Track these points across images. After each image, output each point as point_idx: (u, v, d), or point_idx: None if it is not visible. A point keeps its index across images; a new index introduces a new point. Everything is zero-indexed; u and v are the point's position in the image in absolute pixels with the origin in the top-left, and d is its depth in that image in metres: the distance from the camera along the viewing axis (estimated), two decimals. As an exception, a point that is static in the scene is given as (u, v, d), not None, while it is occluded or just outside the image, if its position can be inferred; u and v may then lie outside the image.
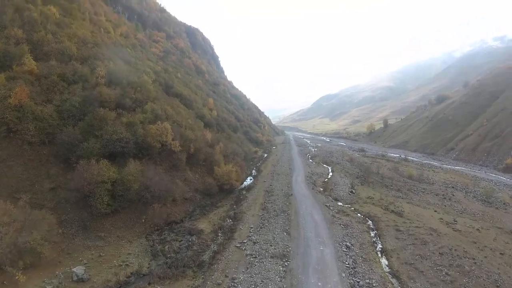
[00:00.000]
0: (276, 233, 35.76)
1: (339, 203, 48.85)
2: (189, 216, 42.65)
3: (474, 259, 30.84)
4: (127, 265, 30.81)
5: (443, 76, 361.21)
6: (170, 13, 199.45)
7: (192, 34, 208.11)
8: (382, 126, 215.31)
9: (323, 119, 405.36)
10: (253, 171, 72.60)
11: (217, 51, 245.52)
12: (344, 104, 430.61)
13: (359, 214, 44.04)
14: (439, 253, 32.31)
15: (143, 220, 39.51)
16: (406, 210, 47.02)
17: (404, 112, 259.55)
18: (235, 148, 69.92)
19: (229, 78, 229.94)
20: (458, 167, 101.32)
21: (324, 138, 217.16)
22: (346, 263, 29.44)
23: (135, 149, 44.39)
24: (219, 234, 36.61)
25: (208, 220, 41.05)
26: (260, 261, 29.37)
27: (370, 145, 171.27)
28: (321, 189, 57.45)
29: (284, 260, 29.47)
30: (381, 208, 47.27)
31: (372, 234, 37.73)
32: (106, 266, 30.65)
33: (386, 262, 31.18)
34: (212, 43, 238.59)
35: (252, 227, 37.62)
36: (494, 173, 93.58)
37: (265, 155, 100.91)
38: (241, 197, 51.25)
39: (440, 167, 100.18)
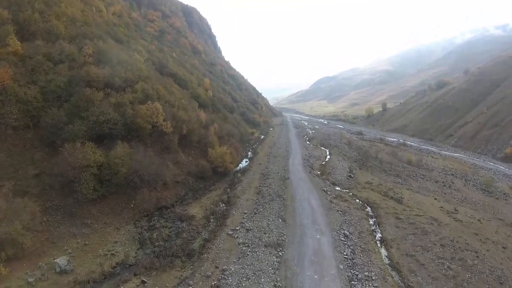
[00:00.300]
0: (271, 219, 34.02)
1: (337, 188, 47.03)
2: (180, 200, 40.81)
3: (476, 252, 29.32)
4: (112, 254, 29.09)
5: (443, 62, 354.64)
6: None
7: (188, 13, 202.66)
8: (381, 109, 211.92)
9: (321, 101, 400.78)
10: (249, 153, 70.65)
11: (214, 31, 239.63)
12: (343, 86, 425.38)
13: (357, 200, 42.31)
14: (441, 244, 30.69)
15: (132, 206, 37.66)
16: (406, 197, 45.27)
17: (403, 97, 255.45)
18: (231, 129, 67.61)
19: (226, 59, 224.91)
20: (456, 154, 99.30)
21: (322, 121, 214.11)
22: (344, 253, 27.72)
23: (124, 130, 42.14)
24: (211, 220, 34.81)
25: (200, 204, 39.21)
26: (253, 250, 27.65)
27: (368, 128, 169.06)
28: (319, 172, 55.64)
29: (278, 250, 27.74)
30: (380, 194, 45.50)
31: (371, 222, 36.03)
32: (91, 256, 28.96)
33: (386, 253, 29.50)
34: (209, 22, 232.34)
35: (245, 213, 35.89)
36: (492, 161, 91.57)
37: (262, 136, 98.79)
38: (235, 180, 49.38)
39: (438, 153, 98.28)
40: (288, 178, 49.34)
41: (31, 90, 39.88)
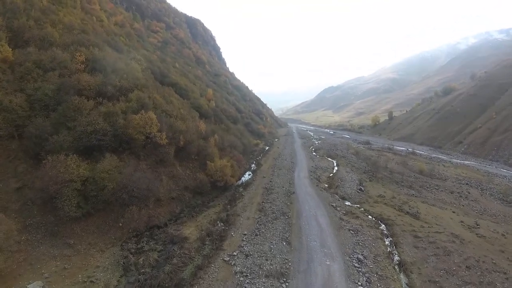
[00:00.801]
0: (274, 242, 29.80)
1: (347, 203, 42.77)
2: (175, 218, 36.74)
3: (505, 273, 25.69)
4: (92, 282, 25.25)
5: (448, 68, 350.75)
6: (170, 4, 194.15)
7: (192, 25, 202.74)
8: (387, 118, 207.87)
9: (327, 111, 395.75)
10: (253, 165, 66.57)
11: (218, 42, 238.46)
12: (348, 96, 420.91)
13: (370, 217, 38.01)
14: (466, 266, 26.73)
15: (121, 224, 33.76)
16: (422, 211, 40.97)
17: (409, 104, 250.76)
18: (233, 141, 63.84)
19: (231, 70, 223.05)
20: (467, 162, 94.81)
21: (328, 131, 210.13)
22: (359, 283, 23.48)
23: (115, 142, 38.46)
24: (206, 243, 30.48)
25: (196, 223, 35.05)
26: (252, 281, 23.44)
27: (375, 137, 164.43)
28: (326, 185, 51.45)
29: (281, 281, 23.46)
30: (394, 208, 41.21)
31: (386, 242, 31.70)
32: (69, 282, 25.24)
33: (406, 280, 25.22)
34: (213, 34, 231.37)
35: (245, 234, 31.70)
36: (505, 168, 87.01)
37: (267, 147, 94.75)
38: (236, 195, 45.22)
39: (449, 161, 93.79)
40: (293, 192, 45.28)
41: (17, 98, 36.94)
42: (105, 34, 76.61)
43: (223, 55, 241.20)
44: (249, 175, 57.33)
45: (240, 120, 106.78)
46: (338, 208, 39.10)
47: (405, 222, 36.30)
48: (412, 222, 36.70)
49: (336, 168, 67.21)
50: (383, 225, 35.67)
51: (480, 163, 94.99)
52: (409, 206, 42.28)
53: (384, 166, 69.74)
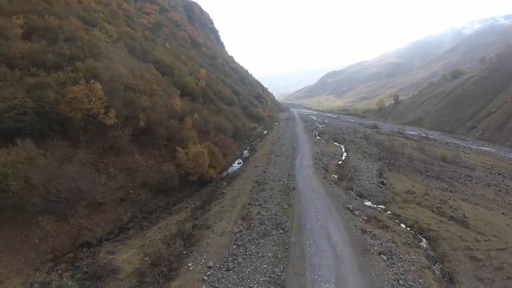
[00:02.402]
0: (258, 284, 17.06)
1: (367, 203, 30.42)
2: (118, 231, 24.69)
3: None
4: None
5: (452, 53, 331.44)
6: None
7: (189, 8, 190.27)
8: (393, 102, 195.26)
9: (329, 96, 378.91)
10: (245, 151, 54.30)
11: (217, 26, 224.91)
12: (351, 80, 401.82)
13: (403, 225, 25.72)
14: None
15: (37, 241, 21.96)
16: (469, 214, 28.70)
17: (414, 89, 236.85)
18: (222, 123, 51.27)
19: (230, 54, 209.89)
20: (486, 148, 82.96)
21: (331, 115, 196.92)
22: None
23: (42, 123, 26.30)
24: (146, 280, 18.08)
25: (142, 242, 22.81)
26: None
27: (381, 122, 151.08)
28: (336, 177, 39.18)
29: None
30: (432, 211, 28.87)
31: (437, 272, 19.57)
32: None
33: None
34: (211, 17, 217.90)
35: (211, 267, 18.65)
36: (530, 155, 74.85)
37: (265, 131, 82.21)
38: (215, 193, 32.79)
39: (468, 147, 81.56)
40: (294, 188, 32.49)
41: None
42: (81, 10, 65.33)
43: (222, 39, 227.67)
44: (238, 164, 45.25)
45: (236, 102, 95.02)
46: (357, 212, 26.66)
47: (453, 234, 24.14)
48: (462, 233, 24.55)
49: (345, 154, 54.86)
50: (424, 240, 23.51)
51: (499, 149, 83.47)
52: (450, 207, 29.91)
53: (400, 152, 57.54)
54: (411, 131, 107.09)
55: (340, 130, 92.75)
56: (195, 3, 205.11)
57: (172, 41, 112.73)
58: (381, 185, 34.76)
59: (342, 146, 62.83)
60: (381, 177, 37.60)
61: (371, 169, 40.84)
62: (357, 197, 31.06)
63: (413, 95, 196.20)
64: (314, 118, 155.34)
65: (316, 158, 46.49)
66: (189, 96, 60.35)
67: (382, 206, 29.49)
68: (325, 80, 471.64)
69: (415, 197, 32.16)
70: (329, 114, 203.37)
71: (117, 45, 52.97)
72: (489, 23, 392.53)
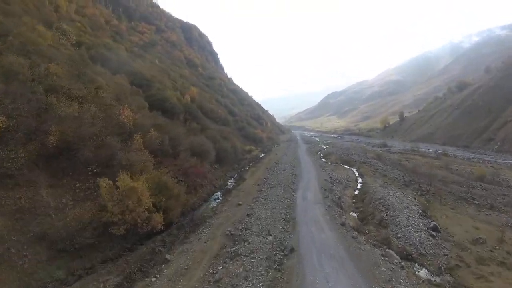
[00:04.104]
0: None
1: (422, 273, 17.70)
2: None
3: None
4: None
5: (453, 67, 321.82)
6: (164, 9, 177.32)
7: (188, 30, 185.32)
8: (398, 119, 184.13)
9: (331, 116, 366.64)
10: (232, 180, 41.45)
11: (217, 49, 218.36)
12: (352, 100, 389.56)
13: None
14: None
15: None
16: None
17: (417, 105, 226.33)
18: (201, 144, 38.53)
19: (229, 75, 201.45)
20: (512, 161, 69.92)
21: (335, 135, 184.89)
22: None
23: None
24: None
25: None
26: None
27: (388, 140, 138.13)
28: (356, 216, 26.74)
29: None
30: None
31: None
32: None
33: None
34: (210, 40, 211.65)
35: None
36: None
37: (262, 154, 69.54)
38: (153, 260, 19.45)
39: (494, 161, 68.98)
40: (292, 250, 19.44)
41: None
42: (55, 17, 58.89)
43: (223, 62, 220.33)
44: (216, 199, 32.48)
45: (231, 123, 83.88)
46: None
47: None
48: None
49: (360, 180, 42.46)
50: None
51: (527, 163, 70.57)
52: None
53: (428, 173, 45.17)
54: (426, 148, 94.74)
55: (347, 150, 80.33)
56: (194, 26, 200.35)
57: (165, 60, 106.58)
58: (433, 233, 21.83)
59: (354, 169, 50.50)
60: (426, 216, 24.81)
61: (407, 203, 27.93)
62: (402, 262, 18.26)
63: (419, 110, 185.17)
64: (317, 139, 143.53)
65: (324, 189, 33.91)
66: (168, 113, 49.41)
67: (449, 279, 16.67)
68: (327, 101, 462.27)
69: (492, 251, 19.59)
70: (332, 135, 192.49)
71: (76, 50, 42.47)
72: (486, 34, 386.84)
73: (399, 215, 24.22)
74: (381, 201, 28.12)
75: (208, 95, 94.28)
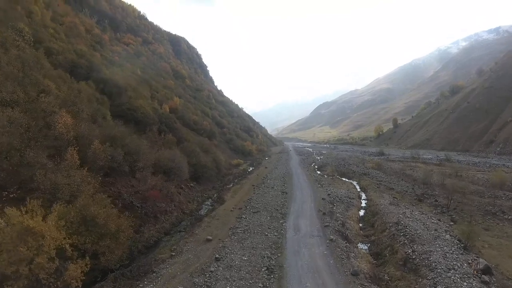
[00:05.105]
0: None
1: None
2: None
3: None
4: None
5: (443, 73, 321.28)
6: (153, 22, 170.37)
7: (176, 43, 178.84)
8: (391, 127, 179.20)
9: (323, 127, 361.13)
10: (207, 203, 32.54)
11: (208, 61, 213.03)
12: (344, 110, 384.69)
13: None
14: None
15: None
16: None
17: (409, 112, 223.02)
18: (170, 159, 30.64)
19: (219, 88, 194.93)
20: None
21: (328, 145, 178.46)
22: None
23: None
24: None
25: None
26: None
27: (383, 148, 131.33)
28: (367, 249, 19.48)
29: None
30: None
31: None
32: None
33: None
34: (199, 52, 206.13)
35: None
36: None
37: (250, 168, 61.69)
38: None
39: (504, 165, 61.85)
40: None
41: None
42: (27, 22, 52.03)
43: (213, 75, 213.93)
44: (180, 232, 23.40)
45: (217, 135, 76.52)
46: None
47: None
48: None
49: (364, 196, 35.23)
50: None
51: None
52: None
53: (439, 183, 38.38)
54: (426, 155, 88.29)
55: (343, 161, 73.18)
56: (183, 38, 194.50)
57: (150, 71, 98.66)
58: (486, 278, 14.42)
59: (355, 183, 43.43)
60: (466, 247, 17.44)
61: (434, 228, 20.40)
62: None
63: (412, 117, 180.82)
64: (311, 150, 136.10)
65: (323, 213, 26.20)
66: (141, 124, 42.38)
67: None
68: (318, 111, 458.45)
69: None
70: (325, 145, 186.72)
71: (31, 51, 35.67)
72: (473, 39, 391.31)
73: (431, 251, 16.74)
74: (399, 227, 20.69)
75: (193, 106, 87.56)
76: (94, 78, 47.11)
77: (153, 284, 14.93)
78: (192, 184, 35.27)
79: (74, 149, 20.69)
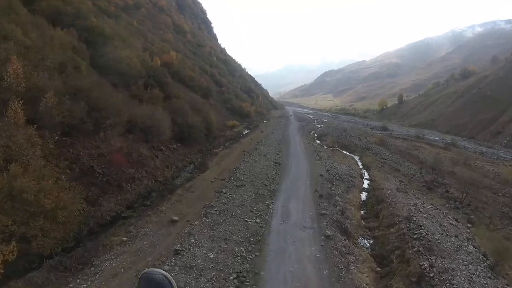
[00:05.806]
0: None
1: None
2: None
3: None
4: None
5: (454, 55, 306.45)
6: None
7: None
8: (396, 102, 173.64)
9: (327, 95, 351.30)
10: (188, 168, 28.89)
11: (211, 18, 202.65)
12: (349, 80, 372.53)
13: None
14: None
15: None
16: None
17: (415, 90, 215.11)
18: (148, 116, 25.61)
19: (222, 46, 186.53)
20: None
21: (329, 114, 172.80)
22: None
23: None
24: None
25: None
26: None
27: (386, 123, 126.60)
28: (370, 251, 15.60)
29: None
30: None
31: None
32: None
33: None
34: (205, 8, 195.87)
35: None
36: None
37: (246, 131, 57.28)
38: None
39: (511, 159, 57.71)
40: None
41: None
42: None
43: (216, 32, 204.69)
44: (144, 206, 19.17)
45: (214, 94, 71.75)
46: None
47: None
48: None
49: (366, 174, 31.18)
50: None
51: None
52: None
53: (450, 170, 34.47)
54: (430, 136, 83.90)
55: (344, 132, 68.62)
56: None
57: (148, 23, 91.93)
58: None
59: (357, 158, 39.16)
60: (492, 266, 13.48)
61: (455, 234, 16.22)
62: None
63: (419, 95, 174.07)
64: (311, 117, 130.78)
65: (320, 194, 21.83)
66: (125, 76, 37.55)
67: None
68: (323, 79, 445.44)
69: None
70: (327, 113, 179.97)
71: None
72: (490, 26, 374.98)
73: (453, 269, 12.67)
74: (411, 225, 16.57)
75: (191, 62, 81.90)
76: (78, 27, 41.69)
77: (87, 284, 10.96)
78: (175, 146, 30.95)
79: (19, 102, 16.07)
